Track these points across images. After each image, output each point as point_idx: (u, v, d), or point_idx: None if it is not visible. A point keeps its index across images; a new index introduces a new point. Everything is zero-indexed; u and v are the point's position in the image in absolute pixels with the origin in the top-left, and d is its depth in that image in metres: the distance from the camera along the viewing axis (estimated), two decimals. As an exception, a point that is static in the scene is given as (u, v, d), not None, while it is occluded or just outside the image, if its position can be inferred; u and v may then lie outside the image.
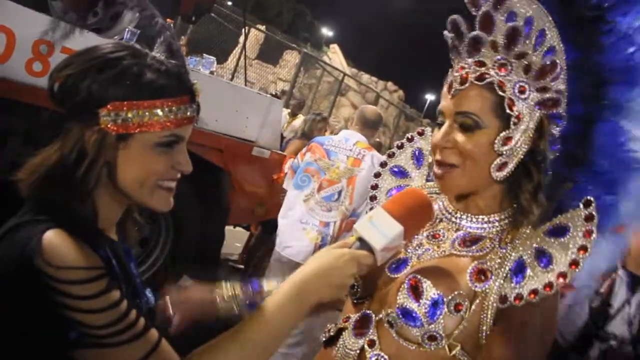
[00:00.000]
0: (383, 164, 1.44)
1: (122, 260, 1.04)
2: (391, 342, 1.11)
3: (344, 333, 1.18)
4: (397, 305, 1.09)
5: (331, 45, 30.27)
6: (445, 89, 1.17)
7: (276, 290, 1.01)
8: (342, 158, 3.41)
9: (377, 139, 9.17)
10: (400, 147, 1.44)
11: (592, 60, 1.13)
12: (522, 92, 1.10)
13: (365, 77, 25.89)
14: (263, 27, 15.32)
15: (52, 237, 0.87)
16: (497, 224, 1.16)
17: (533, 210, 1.12)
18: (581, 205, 1.07)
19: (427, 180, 1.38)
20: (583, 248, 1.02)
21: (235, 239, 6.09)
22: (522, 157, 1.11)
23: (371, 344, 1.13)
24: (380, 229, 1.03)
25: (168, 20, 3.70)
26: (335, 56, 27.01)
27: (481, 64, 1.12)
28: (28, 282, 0.85)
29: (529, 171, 1.13)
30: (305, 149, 3.72)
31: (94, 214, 0.98)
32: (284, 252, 3.46)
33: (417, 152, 1.42)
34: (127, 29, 3.05)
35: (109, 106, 0.94)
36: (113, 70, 0.95)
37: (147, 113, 0.95)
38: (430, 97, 41.39)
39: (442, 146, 1.13)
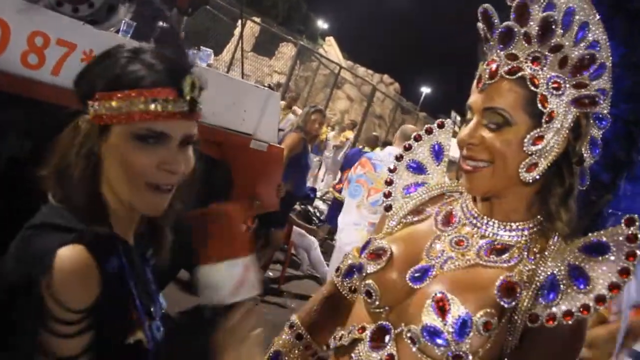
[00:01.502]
0: (399, 158, 1.35)
1: (136, 265, 1.02)
2: (411, 357, 1.04)
3: (359, 344, 1.11)
4: (421, 324, 1.02)
5: (327, 38, 30.19)
6: (474, 82, 1.09)
7: None
8: (385, 170, 3.81)
9: (375, 133, 9.19)
10: (418, 139, 1.34)
11: None
12: (556, 88, 1.02)
13: (361, 70, 25.86)
14: (258, 20, 15.23)
15: (64, 263, 0.86)
16: (525, 232, 1.09)
17: (561, 216, 1.05)
18: (623, 224, 0.98)
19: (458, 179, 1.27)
20: (625, 271, 0.94)
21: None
22: (554, 158, 1.04)
23: (389, 358, 1.07)
24: (216, 286, 0.93)
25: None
26: (331, 49, 26.95)
27: (513, 56, 1.05)
28: (27, 295, 0.85)
29: (561, 174, 1.05)
30: (357, 163, 4.66)
31: (103, 209, 0.97)
32: (345, 248, 4.17)
33: (436, 146, 1.32)
34: (123, 21, 3.02)
35: (95, 97, 0.95)
36: (103, 62, 0.97)
37: (123, 104, 0.94)
38: (426, 90, 41.38)
39: (468, 142, 1.06)
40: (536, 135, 1.02)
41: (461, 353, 0.99)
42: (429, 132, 1.34)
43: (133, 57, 0.97)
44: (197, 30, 12.45)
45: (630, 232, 0.96)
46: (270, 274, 5.73)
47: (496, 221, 1.11)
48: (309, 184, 8.16)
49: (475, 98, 1.08)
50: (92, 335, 0.89)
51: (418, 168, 1.32)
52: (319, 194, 8.59)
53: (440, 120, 1.34)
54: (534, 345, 1.00)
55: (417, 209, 1.26)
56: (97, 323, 0.89)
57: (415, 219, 1.24)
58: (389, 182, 1.33)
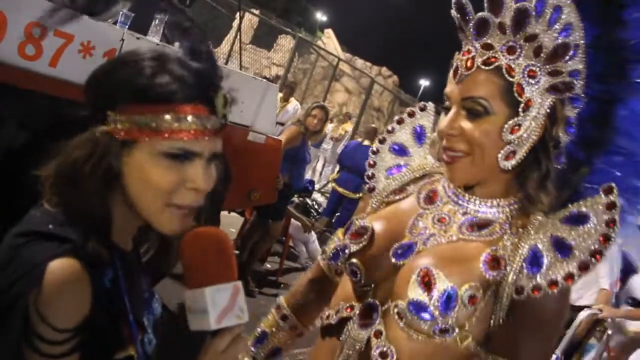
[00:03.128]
0: (382, 140, 1.37)
1: (132, 273, 0.98)
2: (399, 333, 1.06)
3: (348, 323, 1.13)
4: (407, 299, 1.03)
5: (325, 30, 30.09)
6: (450, 73, 1.11)
7: None
8: None
9: (373, 125, 9.20)
10: (400, 122, 1.37)
11: (614, 37, 1.07)
12: (531, 76, 1.04)
13: (360, 62, 25.78)
14: (257, 12, 15.17)
15: (54, 277, 0.81)
16: (506, 208, 1.11)
17: (541, 199, 1.07)
18: (601, 192, 1.01)
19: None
20: (606, 238, 0.97)
21: (230, 224, 6.09)
22: (532, 145, 1.06)
23: (377, 334, 1.08)
24: (202, 310, 0.87)
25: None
26: (329, 41, 26.87)
27: (488, 47, 1.06)
28: (11, 308, 0.81)
29: (538, 159, 1.07)
30: None
31: (107, 221, 0.92)
32: None
33: (418, 129, 1.35)
34: (121, 12, 3.00)
35: (117, 108, 0.88)
36: (128, 71, 0.90)
37: (153, 119, 0.87)
38: (424, 82, 41.30)
39: (448, 134, 1.08)
40: (514, 124, 1.04)
41: (447, 327, 1.01)
42: (411, 115, 1.37)
43: (159, 67, 0.89)
44: (196, 22, 12.36)
45: (609, 200, 1.00)
46: (268, 266, 5.74)
47: (477, 198, 1.13)
48: (307, 176, 8.16)
49: (452, 88, 1.09)
50: (79, 356, 0.84)
51: (400, 150, 1.35)
52: (317, 186, 8.59)
53: (423, 103, 1.37)
54: (522, 316, 1.02)
55: (400, 188, 1.28)
56: (86, 341, 0.84)
57: (398, 197, 1.27)
58: (372, 165, 1.35)
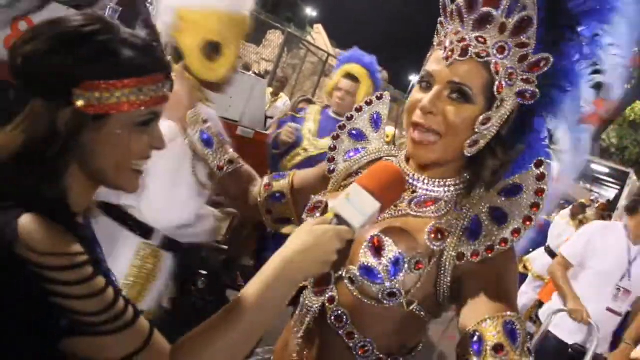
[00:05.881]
0: (342, 127, 1.45)
1: (91, 246, 0.98)
2: (351, 298, 1.14)
3: (304, 292, 1.21)
4: (359, 263, 1.11)
5: (315, 26, 30.03)
6: (439, 53, 1.15)
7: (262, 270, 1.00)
8: None
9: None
10: (359, 110, 1.45)
11: (554, 67, 1.12)
12: (510, 78, 1.11)
13: (349, 58, 25.73)
14: (246, 6, 15.10)
15: (29, 223, 0.82)
16: (452, 188, 1.20)
17: (489, 180, 1.16)
18: (532, 166, 1.12)
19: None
20: (535, 205, 1.09)
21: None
22: (490, 138, 1.14)
23: (331, 300, 1.17)
24: (358, 207, 1.03)
25: (150, -3, 3.65)
26: (319, 36, 26.83)
27: (483, 40, 1.11)
28: (9, 271, 0.81)
29: (494, 151, 1.16)
30: None
31: (66, 199, 0.93)
32: None
33: (375, 116, 1.44)
34: (108, 6, 3.00)
35: (84, 85, 0.88)
36: (87, 46, 0.89)
37: (124, 92, 0.90)
38: (414, 78, 41.30)
39: (429, 110, 1.12)
40: (486, 117, 1.11)
41: (395, 290, 1.09)
42: (369, 103, 1.45)
43: (119, 42, 0.91)
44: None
45: (539, 172, 1.11)
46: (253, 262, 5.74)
47: (427, 178, 1.21)
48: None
49: (440, 69, 1.13)
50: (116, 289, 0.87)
51: (359, 135, 1.44)
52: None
53: (380, 92, 1.46)
54: (468, 280, 1.09)
55: (356, 170, 1.38)
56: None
57: (353, 178, 1.34)
58: (333, 149, 1.44)
